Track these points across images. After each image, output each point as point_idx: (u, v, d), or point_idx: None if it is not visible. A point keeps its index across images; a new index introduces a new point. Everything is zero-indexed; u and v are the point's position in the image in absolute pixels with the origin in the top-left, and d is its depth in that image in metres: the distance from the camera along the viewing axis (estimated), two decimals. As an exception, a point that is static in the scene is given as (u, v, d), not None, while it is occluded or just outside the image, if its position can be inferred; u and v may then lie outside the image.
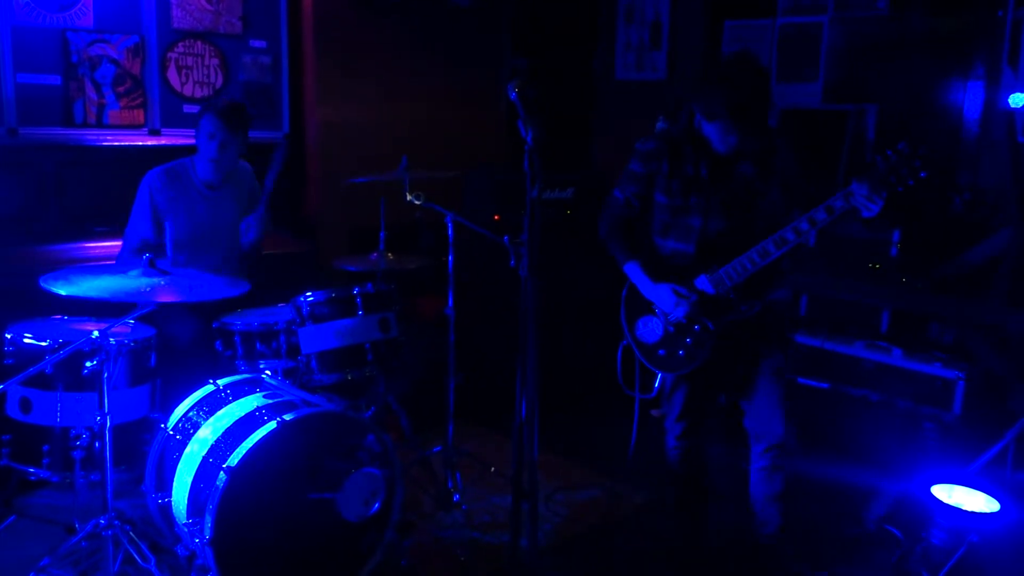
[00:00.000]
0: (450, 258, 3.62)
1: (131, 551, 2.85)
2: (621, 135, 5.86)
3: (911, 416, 3.88)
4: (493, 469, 3.86)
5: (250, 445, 2.61)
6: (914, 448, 3.82)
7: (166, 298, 2.65)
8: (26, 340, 2.95)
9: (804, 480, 3.11)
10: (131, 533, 2.86)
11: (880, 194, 2.59)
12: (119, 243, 3.74)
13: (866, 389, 4.04)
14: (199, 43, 4.56)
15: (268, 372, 3.20)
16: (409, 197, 3.51)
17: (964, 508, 2.97)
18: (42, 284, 2.62)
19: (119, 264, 3.59)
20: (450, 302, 3.64)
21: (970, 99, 4.41)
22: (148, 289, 2.67)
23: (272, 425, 2.64)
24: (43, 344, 2.92)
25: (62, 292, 2.57)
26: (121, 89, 4.35)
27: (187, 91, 4.53)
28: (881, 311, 4.24)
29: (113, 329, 2.72)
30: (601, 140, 6.05)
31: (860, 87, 4.74)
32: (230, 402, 2.90)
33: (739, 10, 5.27)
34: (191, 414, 2.94)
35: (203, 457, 2.73)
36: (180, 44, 4.50)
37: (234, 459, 2.59)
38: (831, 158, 4.78)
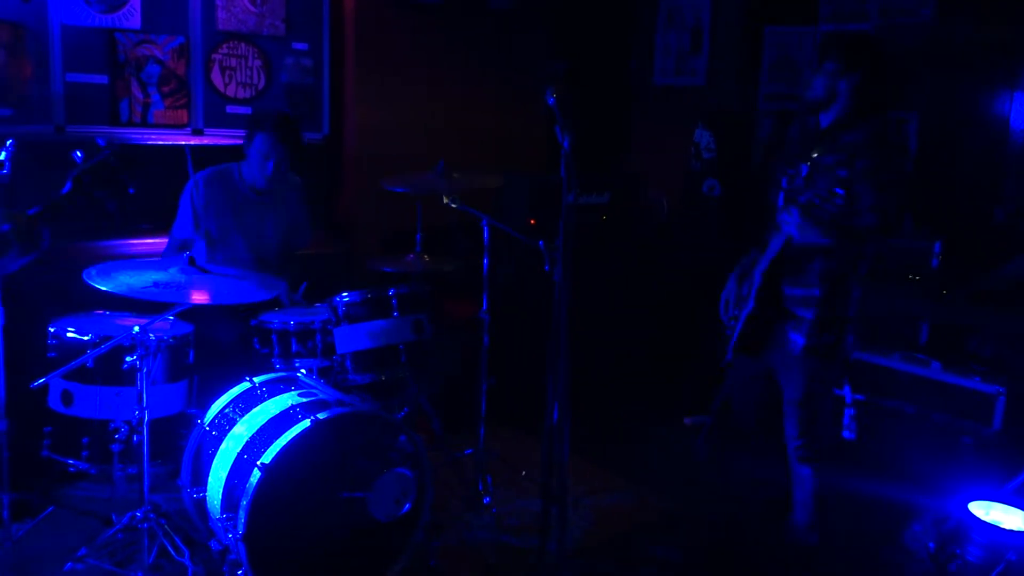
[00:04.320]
0: (485, 261, 3.62)
1: (166, 544, 2.91)
2: (658, 140, 5.84)
3: (948, 430, 3.82)
4: (524, 473, 3.87)
5: (284, 443, 2.64)
6: (951, 463, 3.76)
7: (199, 299, 2.69)
8: (69, 334, 3.01)
9: (836, 493, 3.07)
10: (166, 526, 2.92)
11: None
12: (161, 239, 3.81)
13: (902, 402, 3.98)
14: (243, 45, 4.62)
15: (303, 371, 3.23)
16: (445, 200, 3.52)
17: (1002, 526, 2.92)
18: (85, 278, 2.69)
19: (161, 261, 3.66)
20: (484, 305, 3.65)
21: (1017, 109, 4.33)
22: (182, 286, 2.73)
23: (306, 424, 2.68)
24: (85, 338, 2.98)
25: (103, 287, 2.63)
26: (166, 89, 4.43)
27: (230, 92, 4.60)
28: (920, 323, 4.18)
29: (153, 325, 2.77)
30: (638, 145, 6.03)
31: (903, 95, 4.68)
32: (265, 400, 2.94)
33: (780, 16, 5.23)
34: (227, 410, 2.99)
35: (238, 453, 2.77)
36: (224, 45, 4.57)
37: (268, 456, 2.62)
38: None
